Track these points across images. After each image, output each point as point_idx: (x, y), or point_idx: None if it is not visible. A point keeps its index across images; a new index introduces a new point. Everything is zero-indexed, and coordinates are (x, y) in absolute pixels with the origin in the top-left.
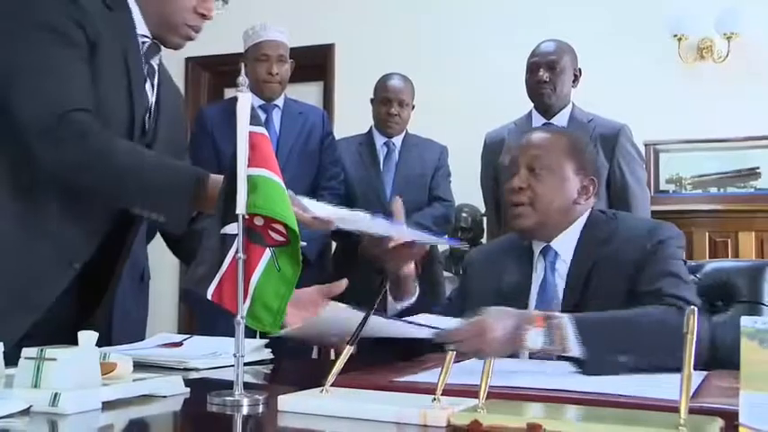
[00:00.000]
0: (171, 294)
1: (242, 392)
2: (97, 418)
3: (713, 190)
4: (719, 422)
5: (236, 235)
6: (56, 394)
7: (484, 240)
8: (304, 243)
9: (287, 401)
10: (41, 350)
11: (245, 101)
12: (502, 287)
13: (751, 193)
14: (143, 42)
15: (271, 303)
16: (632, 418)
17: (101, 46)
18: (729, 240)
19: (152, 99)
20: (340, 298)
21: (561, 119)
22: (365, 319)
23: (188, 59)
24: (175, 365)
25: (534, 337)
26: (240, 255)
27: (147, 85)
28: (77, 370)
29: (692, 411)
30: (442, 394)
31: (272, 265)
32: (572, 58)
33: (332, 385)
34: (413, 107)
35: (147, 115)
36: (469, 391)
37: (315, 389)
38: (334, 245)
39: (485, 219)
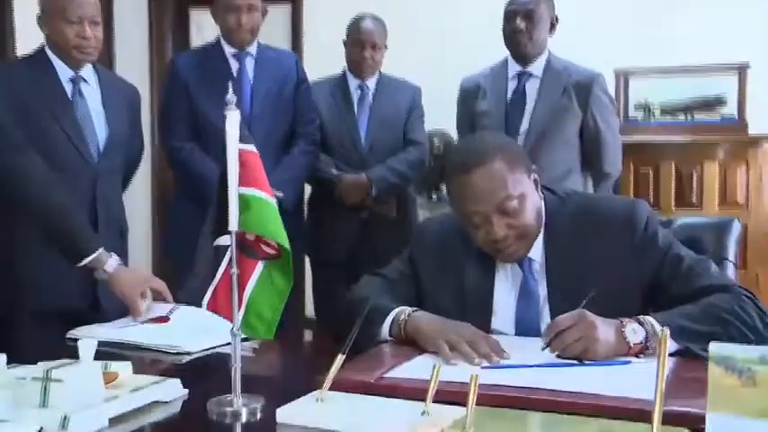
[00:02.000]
0: (144, 242)
1: (240, 403)
2: None
3: (681, 118)
4: None
5: (229, 246)
6: (65, 417)
7: None
8: (280, 194)
9: (285, 414)
10: (47, 372)
11: (234, 119)
12: (463, 288)
13: (717, 121)
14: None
15: (264, 313)
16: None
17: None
18: (695, 171)
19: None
20: (317, 244)
21: (537, 66)
22: (353, 333)
23: None
24: (169, 350)
25: (632, 332)
26: (234, 270)
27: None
28: (83, 388)
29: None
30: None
31: (265, 277)
32: (549, 7)
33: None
34: (385, 48)
35: None
36: (459, 392)
37: (310, 395)
38: (308, 190)
39: None
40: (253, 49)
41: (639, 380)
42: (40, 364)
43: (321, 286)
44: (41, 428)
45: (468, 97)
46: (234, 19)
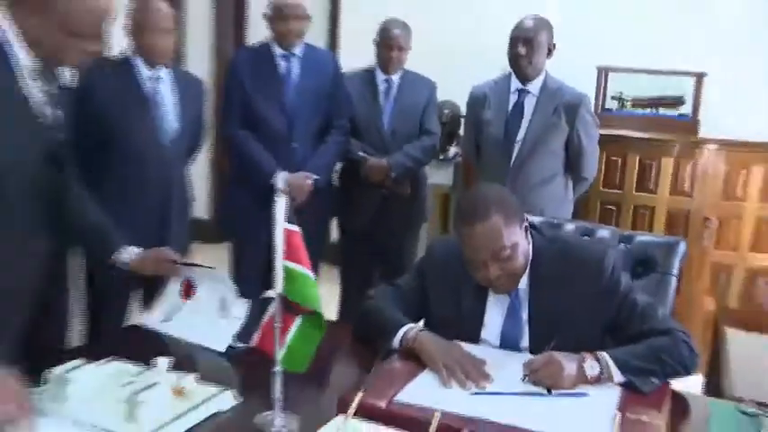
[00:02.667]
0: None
1: (280, 425)
2: None
3: (648, 110)
4: None
5: (274, 299)
6: None
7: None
8: (317, 176)
9: None
10: (134, 395)
11: (282, 205)
12: (461, 303)
13: (675, 116)
14: (31, 69)
15: (300, 354)
16: None
17: None
18: (654, 163)
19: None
20: (343, 213)
21: (535, 85)
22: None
23: None
24: (216, 348)
25: (590, 368)
26: (277, 324)
27: (32, 110)
28: (161, 405)
29: None
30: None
31: (302, 328)
32: (548, 35)
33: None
34: (409, 48)
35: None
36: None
37: (334, 422)
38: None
39: (462, 119)
40: (298, 50)
41: (589, 415)
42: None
43: (345, 247)
44: None
45: (476, 104)
46: (283, 26)
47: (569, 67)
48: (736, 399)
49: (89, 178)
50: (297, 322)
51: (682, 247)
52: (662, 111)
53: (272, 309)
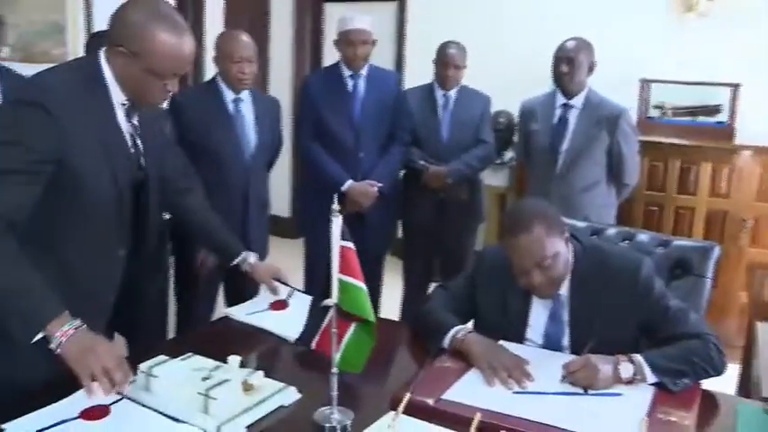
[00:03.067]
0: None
1: (336, 419)
2: None
3: (687, 118)
4: None
5: (331, 307)
6: (219, 427)
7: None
8: (381, 184)
9: None
10: (208, 391)
11: (338, 225)
12: (507, 305)
13: (713, 124)
14: (123, 104)
15: (354, 356)
16: None
17: (70, 143)
18: (694, 168)
19: (140, 147)
20: (407, 214)
21: (577, 100)
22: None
23: None
24: (288, 339)
25: (625, 370)
26: (334, 330)
27: (128, 138)
28: (231, 398)
29: None
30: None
31: (355, 334)
32: (588, 54)
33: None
34: (465, 67)
35: (139, 160)
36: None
37: (385, 418)
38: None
39: (516, 127)
40: (364, 71)
41: (621, 416)
42: (198, 360)
43: (408, 245)
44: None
45: (525, 116)
46: (351, 51)
47: (616, 80)
48: (763, 399)
49: None
50: (351, 329)
51: (716, 251)
52: (700, 119)
53: (330, 316)
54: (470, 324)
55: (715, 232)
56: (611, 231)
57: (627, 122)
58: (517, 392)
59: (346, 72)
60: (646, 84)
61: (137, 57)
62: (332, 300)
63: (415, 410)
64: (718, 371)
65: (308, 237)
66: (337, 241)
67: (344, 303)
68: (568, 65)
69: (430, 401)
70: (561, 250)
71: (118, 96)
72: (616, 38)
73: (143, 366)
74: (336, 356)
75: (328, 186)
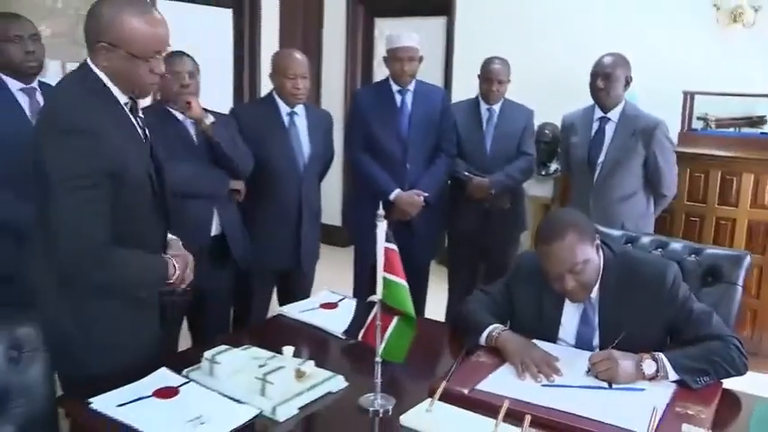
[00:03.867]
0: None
1: (379, 404)
2: (297, 418)
3: (731, 129)
4: None
5: (376, 303)
6: (274, 407)
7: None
8: (426, 194)
9: (405, 419)
10: (265, 376)
11: (383, 229)
12: (542, 307)
13: (756, 135)
14: (126, 104)
15: (396, 347)
16: None
17: (115, 150)
18: (735, 179)
19: (149, 138)
20: (452, 224)
21: (614, 113)
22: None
23: None
24: (336, 334)
25: (648, 366)
26: (378, 322)
27: (140, 134)
28: (285, 384)
29: None
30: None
31: (397, 327)
32: (624, 69)
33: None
34: (509, 81)
35: (151, 150)
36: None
37: (423, 404)
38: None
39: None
40: (412, 86)
41: (641, 408)
42: (256, 350)
43: (453, 252)
44: (261, 411)
45: (566, 130)
46: (398, 67)
47: (659, 92)
48: None
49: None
50: (394, 322)
51: (747, 259)
52: (744, 130)
53: (375, 311)
54: (507, 325)
55: (756, 243)
56: (646, 240)
57: (663, 134)
58: (545, 385)
59: (395, 87)
60: (689, 96)
61: (116, 46)
62: (377, 296)
63: (451, 398)
64: (738, 371)
65: (357, 243)
66: (382, 243)
67: (388, 299)
68: (605, 80)
69: (465, 391)
70: (592, 257)
71: (120, 96)
72: (660, 50)
73: (207, 354)
74: (380, 347)
75: (377, 195)
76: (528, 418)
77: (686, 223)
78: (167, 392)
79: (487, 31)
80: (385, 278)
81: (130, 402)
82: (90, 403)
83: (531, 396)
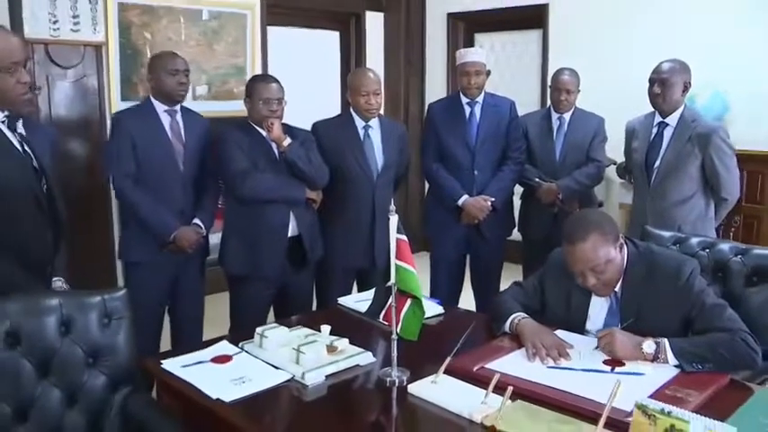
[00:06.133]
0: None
1: (395, 375)
2: (323, 384)
3: None
4: None
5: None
6: (303, 373)
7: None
8: (493, 199)
9: (413, 388)
10: (299, 347)
11: (394, 222)
12: (571, 299)
13: None
14: (2, 121)
15: (409, 326)
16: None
17: None
18: None
19: (29, 152)
20: (524, 226)
21: (673, 118)
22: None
23: (449, 15)
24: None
25: (648, 347)
26: (393, 303)
27: (19, 149)
28: (317, 355)
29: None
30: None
31: (411, 308)
32: (683, 75)
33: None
34: (578, 91)
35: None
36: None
37: (430, 377)
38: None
39: None
40: (480, 98)
41: (634, 390)
42: (302, 330)
43: (527, 252)
44: (293, 376)
45: (628, 135)
46: (466, 80)
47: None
48: None
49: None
50: (407, 304)
51: None
52: None
53: (392, 294)
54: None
55: None
56: (694, 241)
57: (720, 139)
58: (550, 367)
59: (464, 100)
60: None
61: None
62: (392, 282)
63: (459, 373)
64: (746, 363)
65: (432, 244)
66: (394, 236)
67: (401, 284)
68: (661, 86)
69: (473, 368)
70: (614, 257)
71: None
72: (750, 50)
73: (259, 330)
74: (396, 327)
75: (447, 200)
76: (509, 389)
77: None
78: (223, 359)
79: (580, 41)
80: (397, 266)
81: (192, 365)
82: (161, 363)
83: (531, 375)
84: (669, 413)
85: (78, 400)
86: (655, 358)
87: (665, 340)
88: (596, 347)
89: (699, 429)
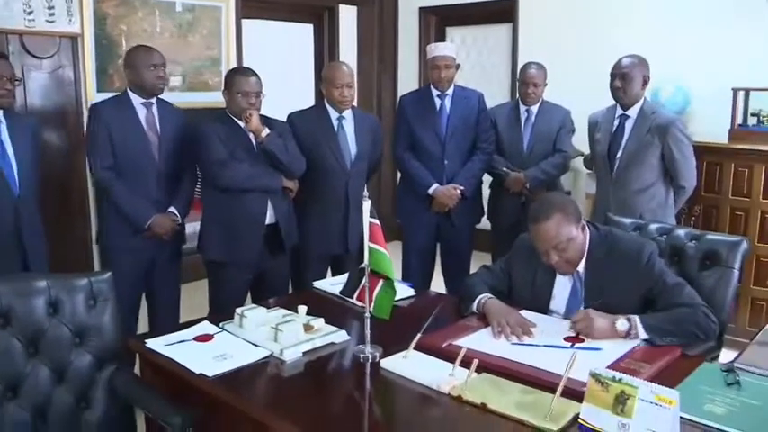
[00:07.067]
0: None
1: (368, 351)
2: (301, 360)
3: None
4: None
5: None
6: (282, 350)
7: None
8: (463, 187)
9: (385, 363)
10: (277, 326)
11: (367, 207)
12: (536, 281)
13: None
14: None
15: (382, 306)
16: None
17: None
18: None
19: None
20: (493, 215)
21: (633, 111)
22: (426, 323)
23: (421, 9)
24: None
25: (621, 324)
26: (366, 284)
27: None
28: (294, 333)
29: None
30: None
31: (383, 288)
32: (642, 69)
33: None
34: (545, 85)
35: None
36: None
37: (402, 353)
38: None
39: None
40: (450, 91)
41: (590, 363)
42: (279, 311)
43: (495, 240)
44: (272, 353)
45: (591, 127)
46: (436, 74)
47: (710, 90)
48: (728, 364)
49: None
50: (380, 285)
51: (744, 245)
52: None
53: (366, 275)
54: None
55: None
56: (653, 227)
57: (678, 130)
58: (514, 344)
59: (434, 92)
60: (736, 92)
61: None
62: (365, 264)
63: (429, 350)
64: (707, 334)
65: (404, 231)
66: (367, 220)
67: (374, 265)
68: (622, 80)
69: (442, 344)
70: (575, 236)
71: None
72: (712, 47)
73: (238, 310)
74: (369, 306)
75: (418, 189)
76: (475, 362)
77: (732, 217)
78: (205, 338)
79: (549, 35)
80: (370, 248)
81: (175, 343)
82: (145, 342)
83: (496, 350)
84: (620, 380)
85: (66, 377)
86: (627, 335)
87: (636, 317)
88: (570, 329)
89: (646, 394)
